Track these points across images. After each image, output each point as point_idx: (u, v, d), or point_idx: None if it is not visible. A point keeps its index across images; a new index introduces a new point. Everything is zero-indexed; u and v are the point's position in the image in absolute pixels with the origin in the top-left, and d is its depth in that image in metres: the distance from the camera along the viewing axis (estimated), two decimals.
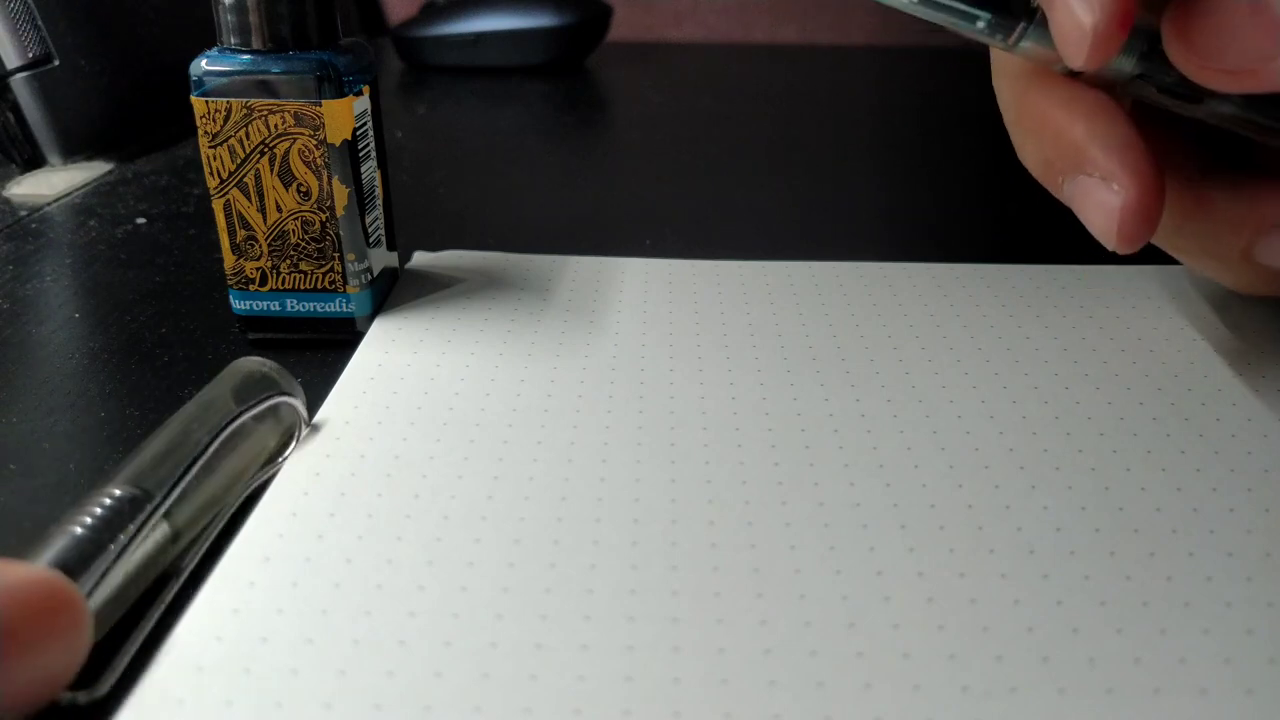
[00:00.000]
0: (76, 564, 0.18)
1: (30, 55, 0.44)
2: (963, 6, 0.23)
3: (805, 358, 0.27)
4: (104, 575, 0.18)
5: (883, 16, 0.81)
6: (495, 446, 0.23)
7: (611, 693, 0.17)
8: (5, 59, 0.43)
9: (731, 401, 0.25)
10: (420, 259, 0.34)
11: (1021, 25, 0.22)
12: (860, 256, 0.34)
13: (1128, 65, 0.23)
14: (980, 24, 0.23)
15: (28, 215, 0.40)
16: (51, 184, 0.44)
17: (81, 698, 0.17)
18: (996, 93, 0.26)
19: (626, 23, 0.77)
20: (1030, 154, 0.25)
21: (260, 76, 0.26)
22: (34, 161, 0.46)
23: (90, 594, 0.18)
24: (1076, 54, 0.21)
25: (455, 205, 0.43)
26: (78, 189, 0.44)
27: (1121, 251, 0.23)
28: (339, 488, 0.22)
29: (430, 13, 0.68)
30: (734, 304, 0.31)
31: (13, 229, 0.39)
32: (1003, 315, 0.30)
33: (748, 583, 0.19)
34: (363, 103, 0.28)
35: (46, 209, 0.41)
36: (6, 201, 0.42)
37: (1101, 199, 0.23)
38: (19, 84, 0.44)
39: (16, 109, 0.44)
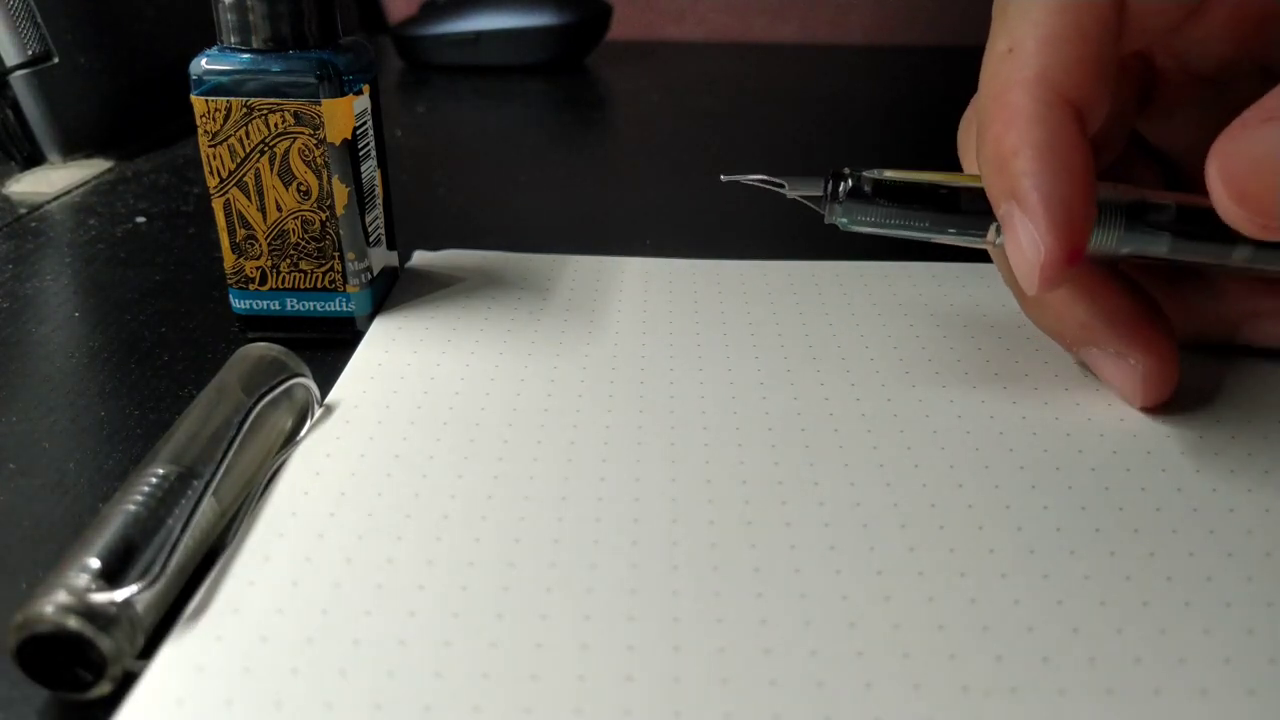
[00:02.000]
0: (140, 539, 0.19)
1: (30, 53, 0.44)
2: (933, 217, 0.23)
3: (805, 357, 0.27)
4: (173, 549, 0.19)
5: (882, 16, 0.81)
6: (495, 446, 0.23)
7: (612, 692, 0.17)
8: (5, 57, 0.43)
9: (731, 401, 0.25)
10: (420, 258, 0.34)
11: (993, 226, 0.23)
12: (861, 256, 0.34)
13: (1109, 244, 0.23)
14: (952, 231, 0.24)
15: (27, 214, 0.40)
16: (51, 182, 0.44)
17: (137, 667, 0.18)
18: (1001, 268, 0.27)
19: (626, 22, 0.76)
20: (1039, 323, 0.26)
21: (260, 75, 0.26)
22: (33, 159, 0.45)
23: (161, 567, 0.18)
24: (1028, 286, 0.21)
25: (455, 204, 0.43)
26: (77, 187, 0.43)
27: (1148, 408, 0.24)
28: (339, 487, 0.22)
29: (430, 12, 0.68)
30: (734, 304, 0.31)
31: (12, 227, 0.39)
32: (1004, 315, 0.30)
33: (748, 582, 0.19)
34: (363, 102, 0.28)
35: (46, 207, 0.41)
36: (6, 200, 0.42)
37: (1118, 369, 0.24)
38: (18, 82, 0.44)
39: (16, 107, 0.44)
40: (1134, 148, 0.27)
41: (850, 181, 0.24)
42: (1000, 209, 0.22)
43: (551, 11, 0.66)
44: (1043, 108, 0.21)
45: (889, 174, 0.24)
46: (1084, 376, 0.26)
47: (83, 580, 0.18)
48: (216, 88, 0.26)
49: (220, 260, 0.29)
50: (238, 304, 0.29)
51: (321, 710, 0.17)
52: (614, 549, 0.20)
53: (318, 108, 0.26)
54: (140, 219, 0.40)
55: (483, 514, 0.21)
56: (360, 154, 0.28)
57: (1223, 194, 0.20)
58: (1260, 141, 0.20)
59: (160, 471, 0.20)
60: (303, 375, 0.24)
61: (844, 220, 0.24)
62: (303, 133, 0.26)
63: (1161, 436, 0.23)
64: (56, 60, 0.45)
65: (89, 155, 0.47)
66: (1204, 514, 0.21)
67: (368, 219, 0.29)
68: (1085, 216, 0.21)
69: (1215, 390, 0.25)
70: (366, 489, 0.22)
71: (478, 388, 0.26)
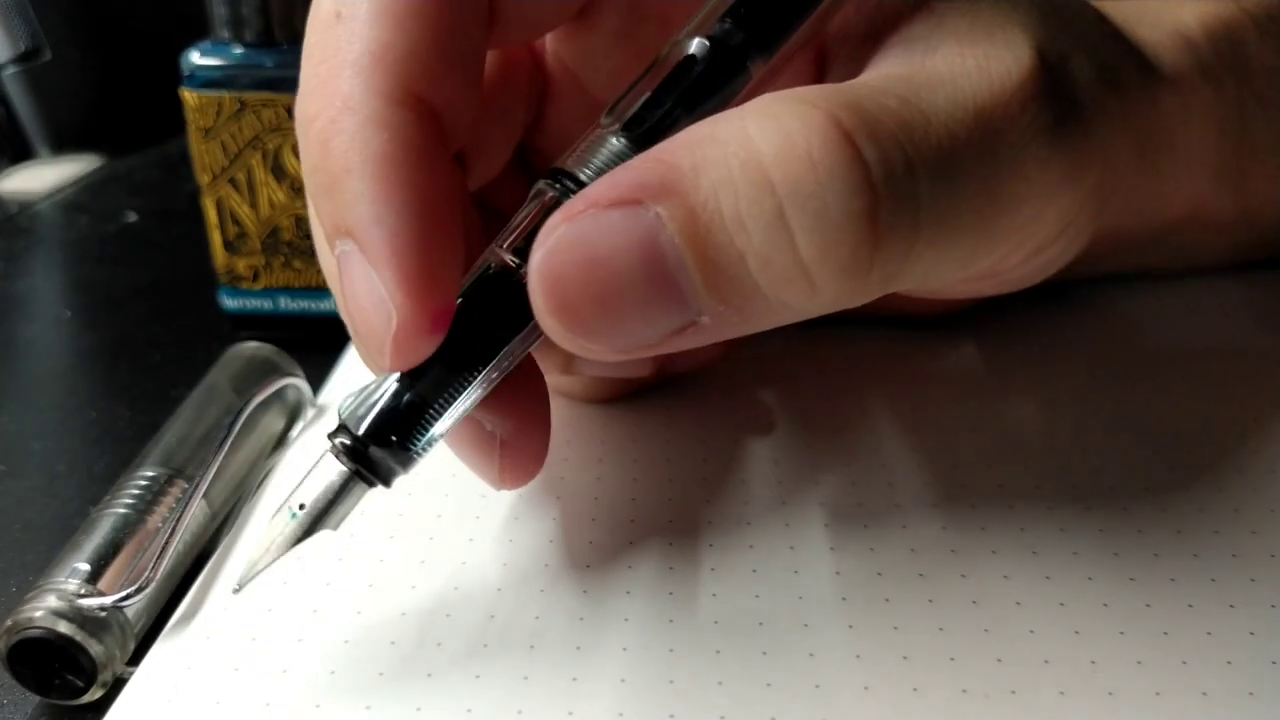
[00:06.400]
0: (129, 543, 0.19)
1: (21, 49, 0.44)
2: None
3: (808, 359, 0.27)
4: (162, 554, 0.18)
5: None
6: None
7: (606, 694, 0.17)
8: None
9: (731, 401, 0.25)
10: None
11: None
12: None
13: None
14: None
15: (18, 212, 0.40)
16: (42, 178, 0.43)
17: (127, 673, 0.17)
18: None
19: None
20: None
21: (253, 70, 0.26)
22: (23, 155, 0.45)
23: (151, 572, 0.18)
24: (375, 362, 0.16)
25: None
26: (68, 184, 0.43)
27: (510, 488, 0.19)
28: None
29: None
30: None
31: (3, 225, 0.39)
32: (1006, 315, 0.29)
33: (745, 584, 0.19)
34: None
35: (37, 206, 0.41)
36: None
37: (469, 438, 0.18)
38: (9, 78, 0.44)
39: (6, 102, 0.44)
40: (518, 167, 0.22)
41: (347, 443, 0.16)
42: (334, 245, 0.16)
43: None
44: (385, 105, 0.16)
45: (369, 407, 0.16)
46: (1090, 377, 0.26)
47: (73, 585, 0.17)
48: (208, 82, 0.26)
49: (212, 258, 0.28)
50: (229, 303, 0.29)
51: (311, 710, 0.16)
52: (609, 550, 0.20)
53: None
54: (131, 216, 0.40)
55: (476, 514, 0.21)
56: None
57: (542, 300, 0.15)
58: (589, 237, 0.15)
59: (150, 474, 0.20)
60: (295, 375, 0.24)
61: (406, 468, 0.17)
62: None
63: (1167, 436, 0.23)
64: (48, 56, 0.45)
65: (80, 151, 0.47)
66: (1209, 514, 0.21)
67: None
68: (453, 265, 0.16)
69: (1218, 388, 0.25)
70: None
71: None
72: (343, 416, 0.16)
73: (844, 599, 0.18)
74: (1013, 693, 0.17)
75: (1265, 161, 0.26)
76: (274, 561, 0.16)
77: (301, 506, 0.16)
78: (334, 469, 0.16)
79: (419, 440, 0.16)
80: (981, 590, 0.19)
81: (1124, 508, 0.21)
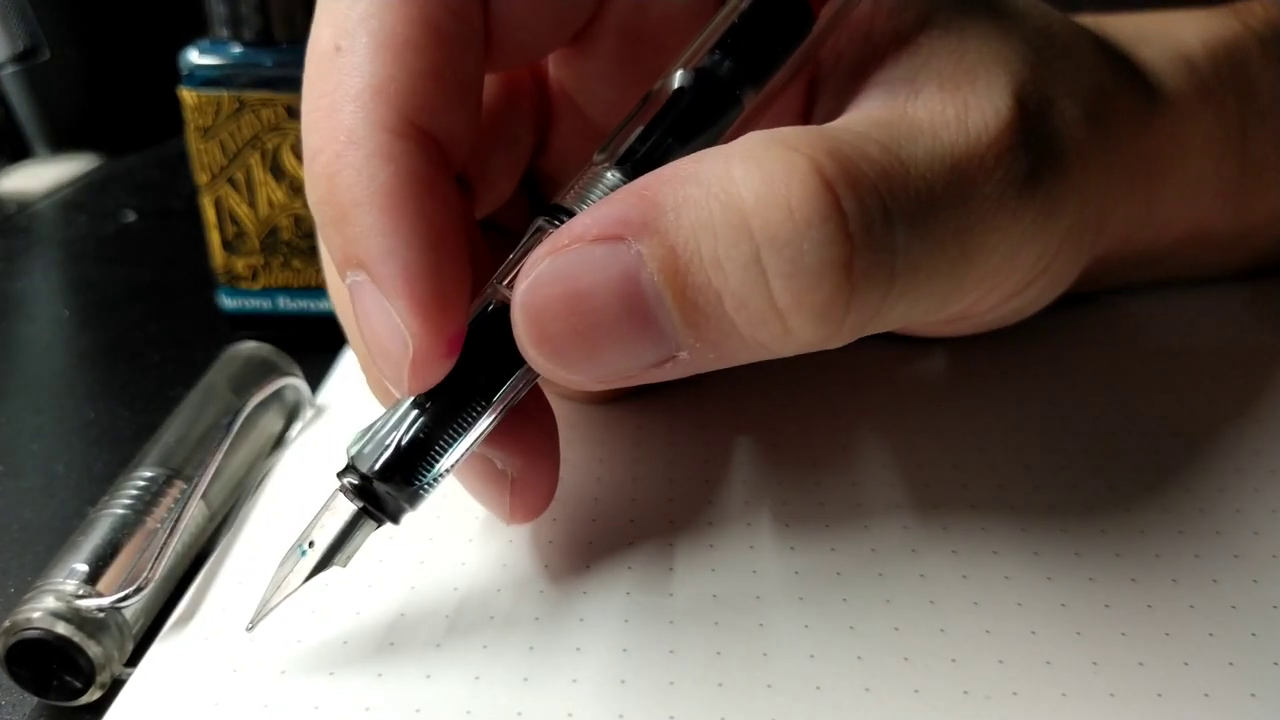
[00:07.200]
0: (128, 543, 0.18)
1: (19, 48, 0.44)
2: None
3: (808, 359, 0.27)
4: (160, 554, 0.18)
5: None
6: None
7: (606, 696, 0.17)
8: None
9: (732, 400, 0.25)
10: None
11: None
12: None
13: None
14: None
15: (17, 211, 0.40)
16: (40, 178, 0.43)
17: (126, 675, 0.17)
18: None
19: None
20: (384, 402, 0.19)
21: (252, 69, 0.26)
22: (21, 154, 0.45)
23: (149, 572, 0.18)
24: (397, 387, 0.16)
25: None
26: (67, 184, 0.43)
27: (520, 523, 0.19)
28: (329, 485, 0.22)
29: None
30: None
31: (1, 225, 0.39)
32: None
33: (746, 585, 0.19)
34: None
35: (36, 205, 0.41)
36: None
37: (479, 474, 0.18)
38: (7, 77, 0.44)
39: (5, 102, 0.44)
40: (527, 193, 0.22)
41: (355, 482, 0.17)
42: (345, 276, 0.16)
43: None
44: (388, 138, 0.16)
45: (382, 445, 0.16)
46: (1091, 377, 0.26)
47: (71, 585, 0.17)
48: (207, 81, 0.26)
49: (210, 258, 0.28)
50: (228, 303, 0.29)
51: (310, 711, 0.16)
52: (609, 551, 0.20)
53: None
54: (130, 216, 0.40)
55: (476, 514, 0.21)
56: None
57: (524, 332, 0.15)
58: (572, 271, 0.15)
59: (149, 474, 0.20)
60: (293, 375, 0.24)
61: (413, 508, 0.17)
62: (295, 127, 0.26)
63: (1168, 435, 0.23)
64: (47, 55, 0.45)
65: (78, 150, 0.47)
66: (1211, 515, 0.21)
67: None
68: (462, 291, 0.16)
69: (1219, 387, 0.25)
70: None
71: None
72: (350, 456, 0.17)
73: (844, 600, 0.18)
74: (1014, 694, 0.17)
75: (1268, 180, 0.26)
76: (286, 599, 0.17)
77: (311, 544, 0.17)
78: (343, 507, 0.17)
79: (425, 477, 0.16)
80: (983, 592, 0.19)
81: (1126, 508, 0.21)
